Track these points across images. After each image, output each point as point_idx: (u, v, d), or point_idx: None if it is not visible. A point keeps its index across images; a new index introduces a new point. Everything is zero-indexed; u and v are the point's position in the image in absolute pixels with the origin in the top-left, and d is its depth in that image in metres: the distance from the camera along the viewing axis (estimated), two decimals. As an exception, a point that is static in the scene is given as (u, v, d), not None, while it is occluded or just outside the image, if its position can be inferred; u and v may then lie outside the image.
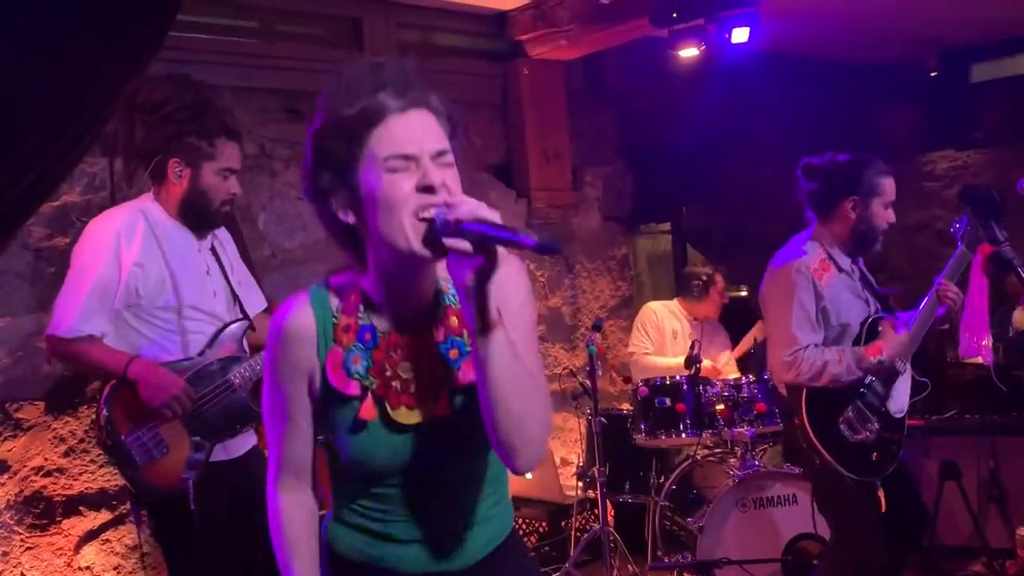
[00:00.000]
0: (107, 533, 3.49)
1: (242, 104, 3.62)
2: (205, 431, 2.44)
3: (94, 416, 2.47)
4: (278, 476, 1.47)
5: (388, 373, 1.39)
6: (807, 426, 2.77)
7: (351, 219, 1.35)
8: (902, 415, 2.86)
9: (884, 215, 2.84)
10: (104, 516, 3.48)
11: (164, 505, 2.41)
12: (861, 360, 2.73)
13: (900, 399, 2.85)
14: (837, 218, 2.84)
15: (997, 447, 3.96)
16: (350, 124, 1.30)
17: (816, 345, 2.75)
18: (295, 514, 1.47)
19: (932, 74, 5.76)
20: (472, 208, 1.24)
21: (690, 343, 3.96)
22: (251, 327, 2.62)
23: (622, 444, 4.02)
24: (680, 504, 3.90)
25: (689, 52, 4.08)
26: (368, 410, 1.37)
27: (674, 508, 3.89)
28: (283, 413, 1.43)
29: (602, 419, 3.77)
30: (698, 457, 3.90)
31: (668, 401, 3.83)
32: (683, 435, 3.84)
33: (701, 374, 3.87)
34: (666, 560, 3.78)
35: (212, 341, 2.51)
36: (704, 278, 4.53)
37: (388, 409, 1.38)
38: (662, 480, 3.96)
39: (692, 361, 3.81)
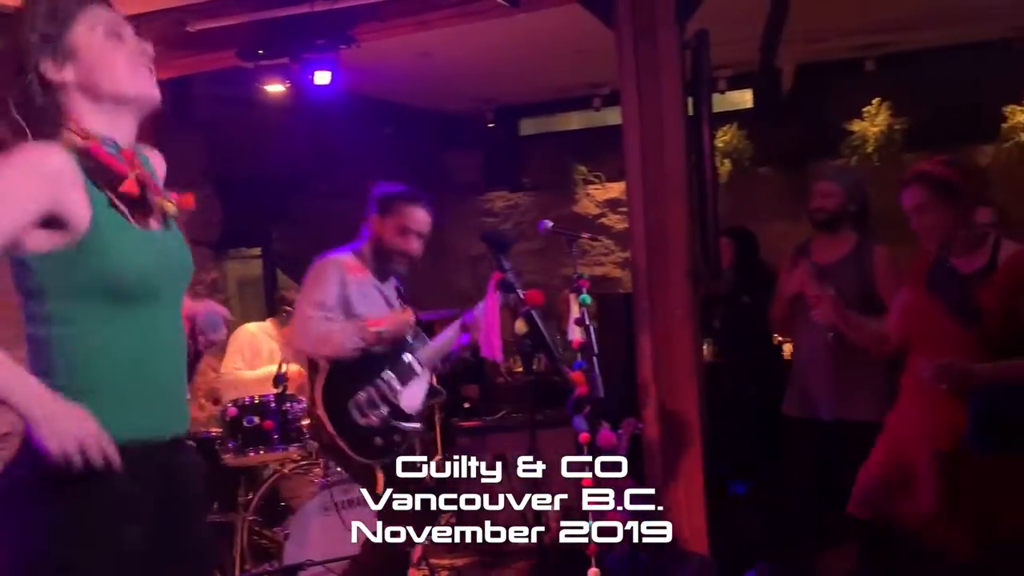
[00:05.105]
0: None
1: None
2: None
3: None
4: None
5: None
6: (318, 400, 3.05)
7: None
8: (415, 412, 3.26)
9: (401, 240, 3.22)
10: None
11: None
12: (363, 330, 3.09)
13: (414, 398, 3.26)
14: (370, 234, 3.24)
15: (536, 440, 4.76)
16: None
17: (326, 317, 3.09)
18: None
19: (490, 125, 6.74)
20: None
21: (278, 362, 4.16)
22: None
23: (209, 466, 4.06)
24: (267, 517, 4.07)
25: (275, 88, 4.33)
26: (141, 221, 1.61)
27: (262, 521, 4.05)
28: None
29: (191, 443, 3.80)
30: (285, 471, 4.11)
31: (256, 419, 3.98)
32: (272, 450, 4.02)
33: (289, 380, 4.08)
34: (252, 571, 3.92)
35: None
36: (291, 307, 4.69)
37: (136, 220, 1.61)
38: (250, 496, 4.10)
39: (279, 380, 4.01)
